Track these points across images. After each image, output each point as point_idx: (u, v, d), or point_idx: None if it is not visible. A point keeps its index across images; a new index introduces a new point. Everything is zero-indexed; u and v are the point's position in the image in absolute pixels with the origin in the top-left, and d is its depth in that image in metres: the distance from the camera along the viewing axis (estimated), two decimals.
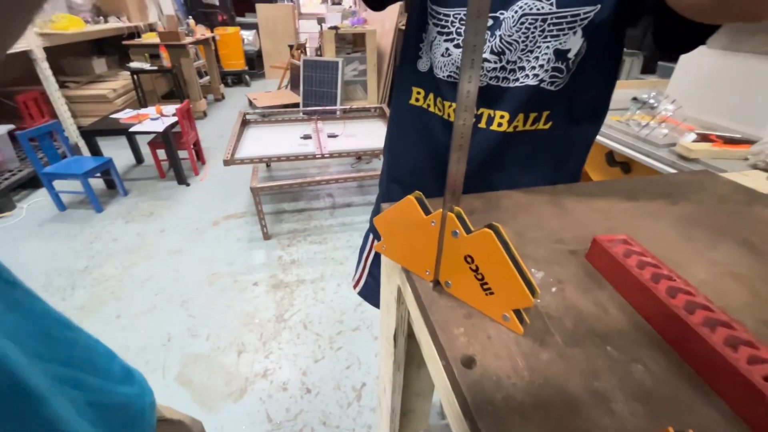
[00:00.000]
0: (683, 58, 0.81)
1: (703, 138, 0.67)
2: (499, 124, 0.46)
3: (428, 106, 0.50)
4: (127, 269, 1.69)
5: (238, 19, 5.57)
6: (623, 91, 1.10)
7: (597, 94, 0.49)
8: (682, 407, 0.22)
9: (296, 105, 3.80)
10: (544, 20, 0.42)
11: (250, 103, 4.24)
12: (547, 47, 0.43)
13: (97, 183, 2.34)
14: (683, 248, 0.37)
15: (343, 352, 1.31)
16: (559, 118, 0.47)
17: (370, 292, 0.71)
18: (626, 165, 0.80)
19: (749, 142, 0.64)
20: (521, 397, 0.23)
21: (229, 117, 3.88)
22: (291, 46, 4.61)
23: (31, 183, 2.34)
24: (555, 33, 0.42)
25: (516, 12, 0.42)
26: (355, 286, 0.75)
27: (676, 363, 0.25)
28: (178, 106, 2.43)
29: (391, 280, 0.41)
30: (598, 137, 0.84)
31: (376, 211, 0.61)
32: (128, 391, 0.37)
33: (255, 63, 5.69)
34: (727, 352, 0.23)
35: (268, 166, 2.83)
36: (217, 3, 4.90)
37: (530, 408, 0.22)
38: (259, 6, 5.28)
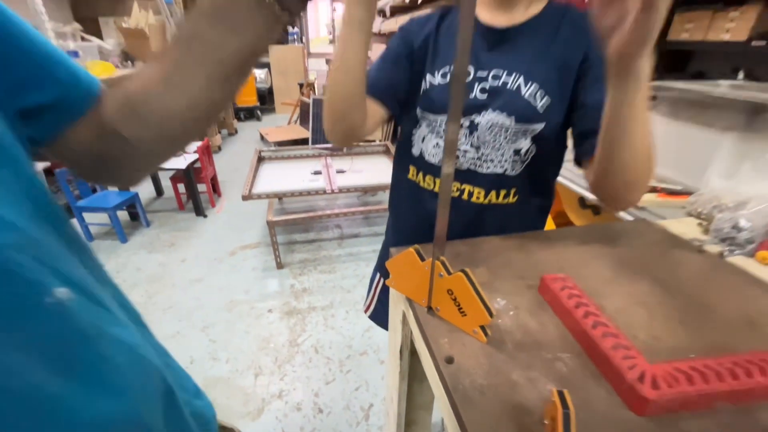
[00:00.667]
0: None
1: (652, 189, 0.81)
2: (477, 198, 0.61)
3: (419, 181, 0.66)
4: (152, 297, 1.82)
5: None
6: None
7: (546, 176, 0.64)
8: (583, 387, 0.35)
9: (305, 139, 4.03)
10: (506, 130, 0.58)
11: (262, 137, 4.49)
12: (508, 147, 0.58)
13: (122, 215, 2.51)
14: (610, 283, 0.50)
15: (352, 375, 1.41)
16: (523, 193, 0.62)
17: (379, 316, 0.84)
18: (596, 207, 0.94)
19: (688, 193, 0.78)
20: (481, 381, 0.36)
21: (243, 151, 4.11)
22: (301, 85, 4.92)
23: None
24: (514, 139, 0.58)
25: (487, 121, 0.58)
26: (366, 311, 0.88)
27: (584, 361, 0.38)
28: (199, 144, 2.64)
29: (397, 306, 0.55)
30: (573, 185, 0.99)
31: (385, 256, 0.76)
32: (200, 403, 0.49)
33: (266, 99, 6.03)
34: (611, 354, 0.36)
35: (280, 199, 3.00)
36: None
37: (486, 388, 0.35)
38: (271, 47, 5.66)
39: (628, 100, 0.43)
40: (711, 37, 2.72)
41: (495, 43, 0.59)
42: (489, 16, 0.60)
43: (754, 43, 2.39)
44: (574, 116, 0.57)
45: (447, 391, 0.36)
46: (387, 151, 2.82)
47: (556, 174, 0.67)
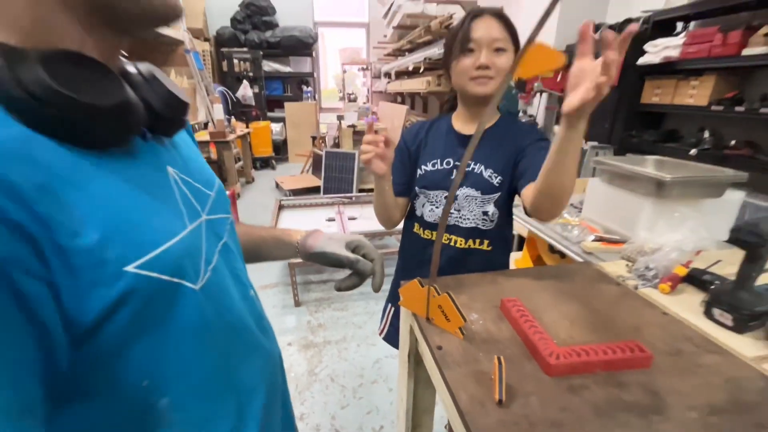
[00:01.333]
0: (590, 184, 1.25)
1: (598, 239, 1.07)
2: (459, 244, 0.88)
3: (420, 233, 0.93)
4: None
5: (269, 114, 6.51)
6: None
7: (505, 231, 0.91)
8: (519, 362, 0.59)
9: (317, 187, 4.38)
10: (476, 199, 0.85)
11: (277, 185, 4.86)
12: (478, 210, 0.86)
13: None
14: (549, 304, 0.74)
15: (364, 401, 1.58)
16: (494, 243, 0.88)
17: (391, 337, 1.06)
18: (561, 253, 1.19)
19: (623, 242, 1.03)
20: (458, 359, 0.59)
21: (260, 198, 4.45)
22: (314, 138, 5.38)
23: None
24: (481, 205, 0.86)
25: (464, 194, 0.86)
26: (380, 334, 1.11)
27: (522, 349, 0.62)
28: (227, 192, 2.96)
29: (406, 321, 0.79)
30: (545, 236, 1.25)
31: (394, 289, 1.01)
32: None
33: (281, 149, 6.52)
34: (537, 343, 0.60)
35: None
36: (254, 103, 5.85)
37: (461, 362, 0.59)
38: (287, 104, 6.24)
39: (571, 145, 0.67)
40: (677, 101, 3.13)
41: (466, 144, 0.89)
42: (463, 127, 0.90)
43: (713, 107, 2.76)
44: (516, 173, 0.85)
45: (436, 363, 0.60)
46: None
47: (511, 228, 0.94)
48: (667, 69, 3.17)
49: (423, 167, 0.91)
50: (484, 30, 0.80)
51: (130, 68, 0.39)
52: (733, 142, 2.77)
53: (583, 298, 0.77)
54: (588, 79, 0.59)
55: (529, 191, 0.79)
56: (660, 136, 3.45)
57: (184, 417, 0.38)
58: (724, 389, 0.54)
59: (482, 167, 0.86)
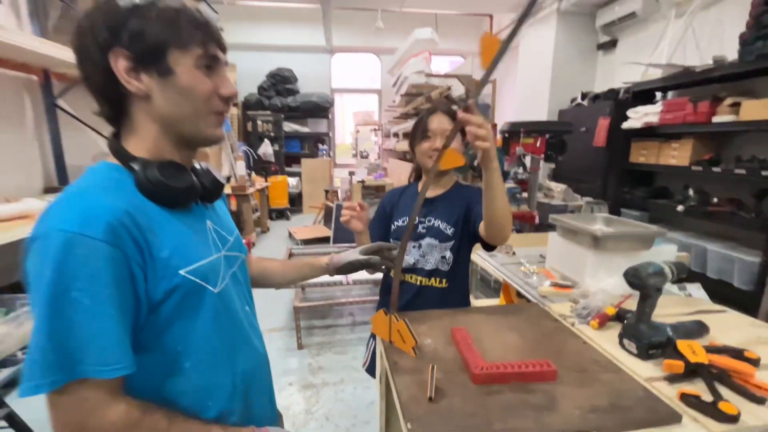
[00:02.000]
0: (550, 237, 1.45)
1: (553, 284, 1.24)
2: (421, 282, 1.08)
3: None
4: None
5: (287, 168, 7.02)
6: (538, 249, 1.72)
7: (462, 273, 1.11)
8: (455, 372, 0.76)
9: (327, 238, 4.64)
10: (435, 246, 1.07)
11: (290, 235, 5.15)
12: (438, 254, 1.07)
13: None
14: (492, 334, 0.92)
15: None
16: (450, 281, 1.08)
17: (372, 369, 1.22)
18: (526, 298, 1.34)
19: (572, 286, 1.20)
20: (407, 370, 0.77)
21: (273, 246, 4.72)
22: (327, 191, 5.76)
23: None
24: (440, 250, 1.07)
25: (426, 242, 1.08)
26: (363, 366, 1.27)
27: (460, 364, 0.79)
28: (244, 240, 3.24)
29: (379, 344, 0.97)
30: (510, 281, 1.43)
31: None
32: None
33: (296, 201, 6.92)
34: (471, 360, 0.77)
35: (303, 289, 3.46)
36: (273, 160, 6.37)
37: (410, 371, 0.76)
38: (304, 160, 6.75)
39: (492, 180, 0.87)
40: (662, 161, 3.37)
41: (428, 204, 1.12)
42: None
43: (693, 167, 2.97)
44: (470, 222, 1.07)
45: (389, 372, 0.77)
46: None
47: (467, 270, 1.13)
48: (649, 132, 3.45)
49: (395, 223, 1.14)
50: (437, 123, 1.08)
51: (196, 165, 0.66)
52: (715, 200, 2.93)
53: (522, 330, 0.94)
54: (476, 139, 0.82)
55: (481, 226, 1.01)
56: (650, 192, 3.64)
57: (197, 379, 0.58)
58: (608, 396, 0.70)
59: (438, 221, 1.09)
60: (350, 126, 7.69)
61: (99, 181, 0.53)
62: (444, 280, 1.10)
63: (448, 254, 1.09)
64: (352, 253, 0.94)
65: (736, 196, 2.88)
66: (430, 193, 1.13)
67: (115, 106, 0.56)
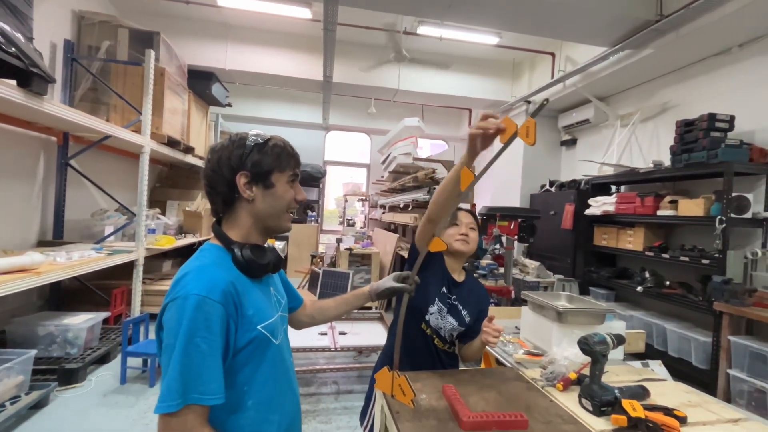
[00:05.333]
0: (522, 311, 1.68)
1: (526, 353, 1.44)
2: (443, 347, 1.28)
3: (424, 329, 1.32)
4: None
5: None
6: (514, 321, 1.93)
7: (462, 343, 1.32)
8: (445, 421, 0.93)
9: (331, 298, 4.68)
10: (456, 330, 1.29)
11: None
12: (450, 330, 1.28)
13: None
14: (475, 392, 1.10)
15: None
16: (452, 347, 1.28)
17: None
18: (502, 363, 1.52)
19: (542, 354, 1.41)
20: (408, 418, 0.94)
21: None
22: (313, 256, 5.91)
23: (101, 359, 2.95)
24: (453, 329, 1.28)
25: (451, 326, 1.29)
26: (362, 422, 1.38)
27: (450, 414, 0.96)
28: None
29: (379, 399, 1.12)
30: (489, 349, 1.62)
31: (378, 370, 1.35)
32: None
33: (281, 265, 6.99)
34: (460, 411, 0.95)
35: None
36: None
37: (411, 418, 0.93)
38: (294, 226, 6.98)
39: (469, 353, 1.21)
40: (621, 245, 3.77)
41: (456, 285, 1.35)
42: (450, 271, 1.38)
43: (647, 252, 3.36)
44: (473, 327, 1.30)
45: (394, 420, 0.94)
46: (381, 318, 3.45)
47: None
48: (608, 219, 3.93)
49: (430, 310, 1.34)
50: (465, 217, 1.39)
51: (268, 244, 0.89)
52: (668, 283, 3.29)
53: (499, 389, 1.13)
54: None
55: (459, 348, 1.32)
56: (614, 273, 4.00)
57: (255, 415, 0.74)
58: None
59: (461, 306, 1.31)
60: (338, 193, 8.12)
61: (213, 259, 0.75)
62: (453, 347, 1.32)
63: (456, 333, 1.30)
64: (388, 281, 1.09)
65: (685, 280, 3.25)
66: (456, 277, 1.36)
67: (226, 205, 0.80)
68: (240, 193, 0.79)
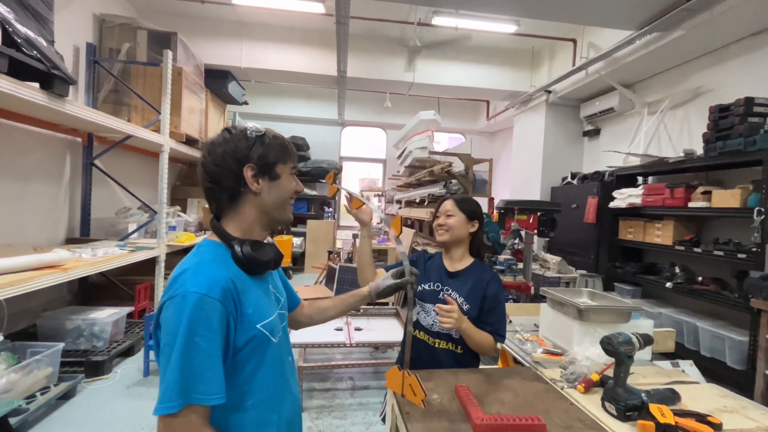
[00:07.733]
0: (542, 308, 1.61)
1: (545, 351, 1.37)
2: (436, 344, 1.23)
3: (416, 334, 1.28)
4: None
5: (293, 228, 7.27)
6: (533, 318, 1.86)
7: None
8: (458, 421, 0.89)
9: (328, 298, 4.70)
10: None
11: None
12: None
13: None
14: (491, 392, 1.05)
15: None
16: (465, 348, 1.23)
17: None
18: (521, 363, 1.46)
19: (562, 354, 1.33)
20: (418, 418, 0.90)
21: None
22: (330, 252, 5.93)
23: (126, 352, 3.05)
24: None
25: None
26: (380, 415, 1.36)
27: (462, 416, 0.92)
28: None
29: (390, 398, 1.09)
30: (507, 348, 1.56)
31: None
32: None
33: (298, 260, 7.05)
34: (472, 412, 0.91)
35: (304, 349, 3.47)
36: None
37: (420, 420, 0.89)
38: (309, 221, 7.03)
39: (463, 332, 1.12)
40: (648, 239, 3.60)
41: (450, 276, 1.31)
42: (447, 263, 1.33)
43: (677, 246, 3.19)
44: (482, 310, 1.24)
45: (403, 420, 0.90)
46: (397, 314, 3.42)
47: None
48: (634, 212, 3.75)
49: (422, 285, 1.31)
50: (444, 205, 1.33)
51: (268, 239, 0.87)
52: (700, 278, 3.11)
53: (516, 390, 1.08)
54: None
55: None
56: (641, 268, 3.82)
57: (255, 415, 0.72)
58: None
59: (456, 294, 1.26)
60: (355, 189, 8.12)
61: (211, 256, 0.74)
62: (459, 347, 1.24)
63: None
64: (387, 279, 1.07)
65: (719, 276, 3.06)
66: (451, 267, 1.32)
67: (231, 199, 0.78)
68: (247, 186, 0.77)
